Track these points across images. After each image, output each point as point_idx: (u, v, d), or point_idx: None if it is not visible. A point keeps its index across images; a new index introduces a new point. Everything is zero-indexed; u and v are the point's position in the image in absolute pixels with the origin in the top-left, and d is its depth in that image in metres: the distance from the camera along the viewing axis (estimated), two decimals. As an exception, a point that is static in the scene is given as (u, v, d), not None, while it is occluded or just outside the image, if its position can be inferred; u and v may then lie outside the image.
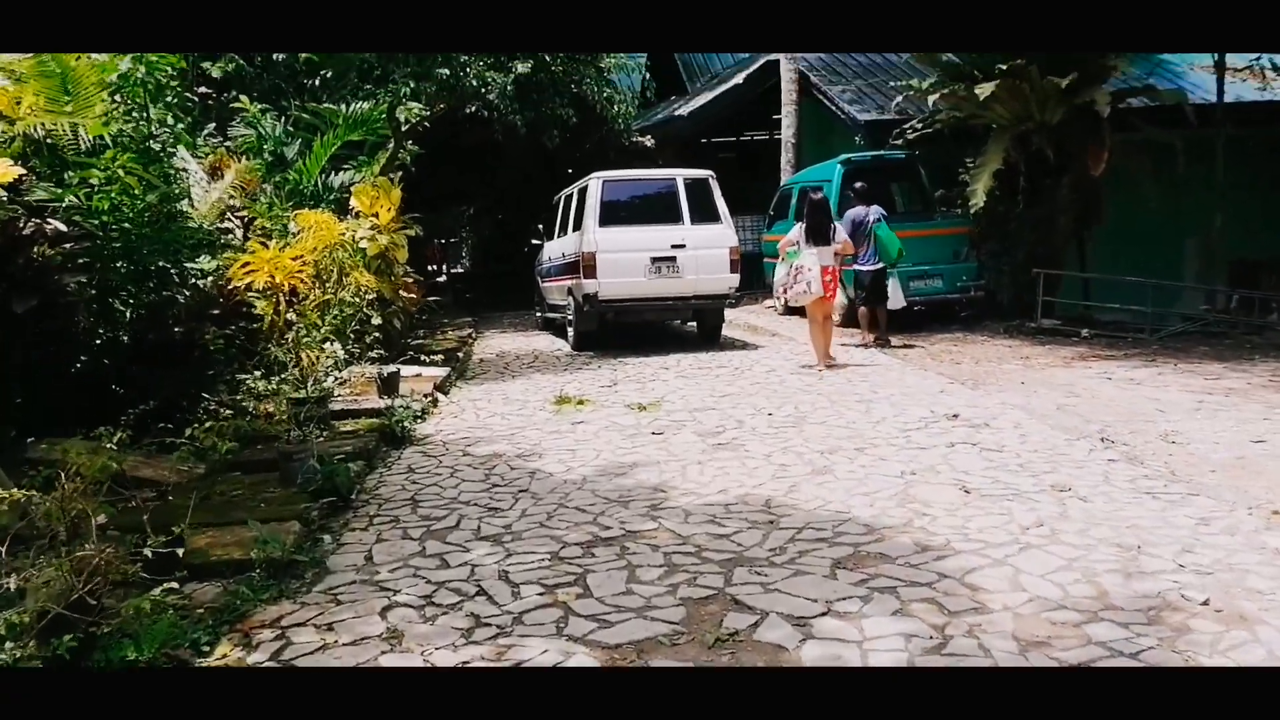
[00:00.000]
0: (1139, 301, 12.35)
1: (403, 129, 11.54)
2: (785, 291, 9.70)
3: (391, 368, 8.24)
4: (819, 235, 9.36)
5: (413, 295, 10.67)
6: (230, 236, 9.24)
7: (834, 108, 15.34)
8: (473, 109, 14.71)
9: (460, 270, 32.65)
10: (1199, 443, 5.96)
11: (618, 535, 4.56)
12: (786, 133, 15.89)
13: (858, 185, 10.81)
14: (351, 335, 9.85)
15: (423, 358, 9.64)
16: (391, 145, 11.46)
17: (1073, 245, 12.49)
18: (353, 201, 10.06)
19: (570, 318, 11.64)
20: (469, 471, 6.06)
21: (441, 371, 9.40)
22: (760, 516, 4.76)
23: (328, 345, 8.50)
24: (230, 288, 7.70)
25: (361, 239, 9.86)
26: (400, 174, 11.55)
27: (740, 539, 4.42)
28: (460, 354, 11.32)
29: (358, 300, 9.91)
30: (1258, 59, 13.79)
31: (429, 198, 18.14)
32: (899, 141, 12.82)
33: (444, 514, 5.15)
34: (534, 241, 14.02)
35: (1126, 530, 4.32)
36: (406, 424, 7.28)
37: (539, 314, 14.23)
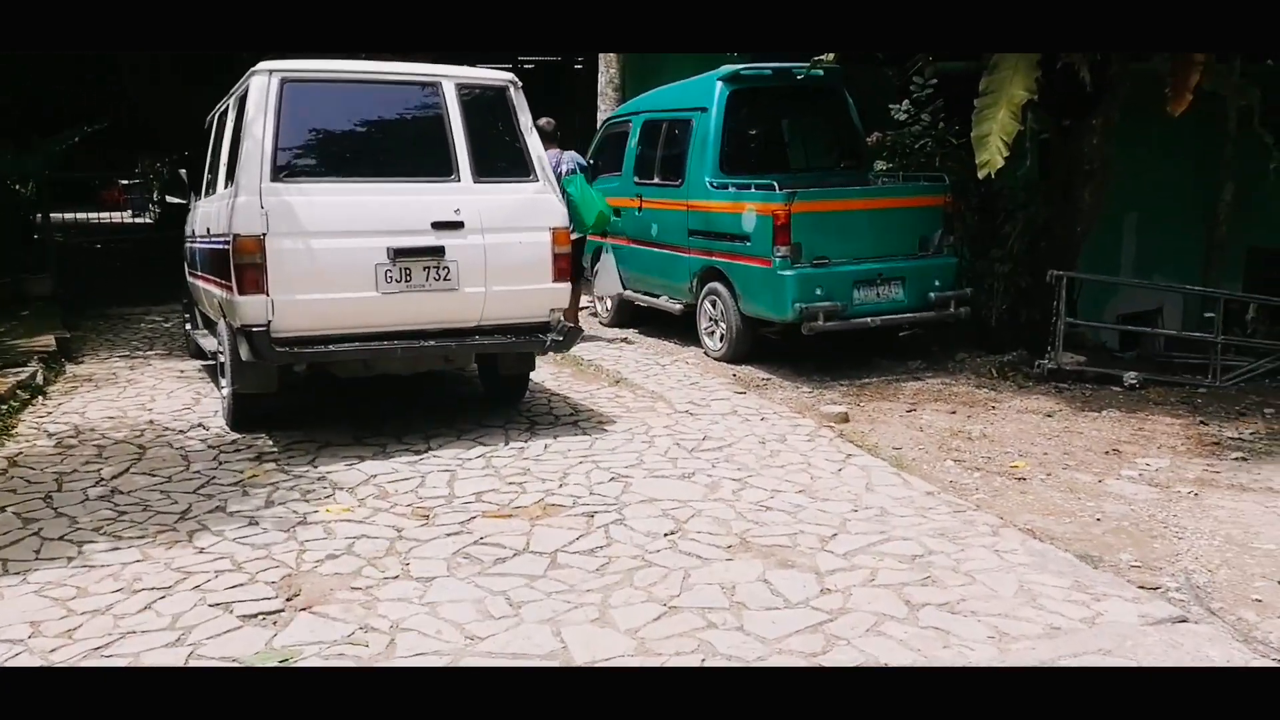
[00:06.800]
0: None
1: None
2: None
3: None
4: None
5: None
6: None
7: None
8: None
9: (143, 220, 24.88)
10: None
11: None
12: (606, 40, 10.47)
13: (541, 121, 6.62)
14: None
15: None
16: None
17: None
18: None
19: (224, 360, 5.71)
20: None
21: None
22: None
23: None
24: None
25: None
26: None
27: None
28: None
29: None
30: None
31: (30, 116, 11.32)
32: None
33: None
34: (168, 199, 7.68)
35: None
36: None
37: (188, 329, 7.94)
